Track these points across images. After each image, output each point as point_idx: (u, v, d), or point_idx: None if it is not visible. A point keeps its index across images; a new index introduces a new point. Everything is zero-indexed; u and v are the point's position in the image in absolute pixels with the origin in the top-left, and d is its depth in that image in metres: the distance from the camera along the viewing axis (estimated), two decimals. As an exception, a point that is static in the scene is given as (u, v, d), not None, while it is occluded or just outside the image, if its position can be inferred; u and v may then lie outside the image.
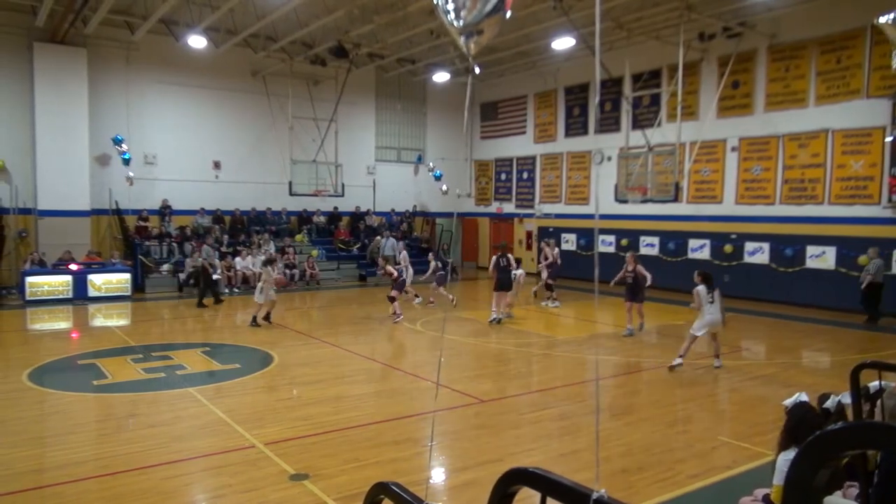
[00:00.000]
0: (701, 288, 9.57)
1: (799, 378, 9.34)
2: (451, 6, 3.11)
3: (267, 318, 12.98)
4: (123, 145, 18.88)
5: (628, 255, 12.97)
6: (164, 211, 19.93)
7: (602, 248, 20.28)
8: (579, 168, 22.35)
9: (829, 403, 3.91)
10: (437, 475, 5.87)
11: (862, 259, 14.38)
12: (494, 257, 13.73)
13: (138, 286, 17.67)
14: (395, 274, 13.96)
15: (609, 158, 20.31)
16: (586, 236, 21.59)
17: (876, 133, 14.86)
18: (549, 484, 1.82)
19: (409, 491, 2.33)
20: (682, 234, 18.90)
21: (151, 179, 19.90)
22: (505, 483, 1.97)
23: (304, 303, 17.50)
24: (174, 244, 19.28)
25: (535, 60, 22.27)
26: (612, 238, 20.46)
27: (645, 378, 9.50)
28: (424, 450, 6.27)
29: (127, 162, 18.95)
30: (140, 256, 18.27)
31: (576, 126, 22.39)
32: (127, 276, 17.21)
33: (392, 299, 13.56)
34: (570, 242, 22.09)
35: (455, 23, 3.12)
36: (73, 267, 16.69)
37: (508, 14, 3.14)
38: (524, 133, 24.47)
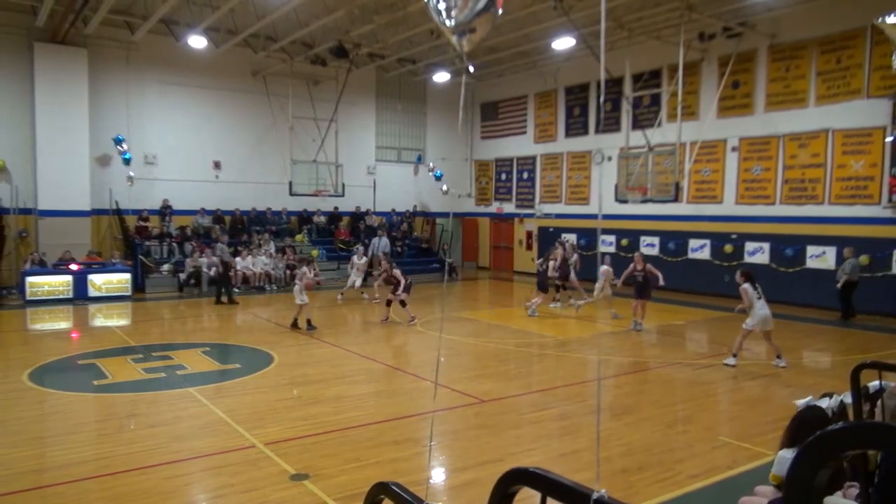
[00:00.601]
0: (747, 285, 9.77)
1: (799, 378, 9.34)
2: (442, 5, 3.10)
3: (309, 323, 12.60)
4: (124, 145, 18.89)
5: (636, 254, 13.29)
6: (165, 211, 19.94)
7: (603, 249, 20.31)
8: (579, 168, 22.35)
9: (830, 403, 3.90)
10: (438, 475, 5.87)
11: (862, 258, 14.42)
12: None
13: (138, 286, 17.67)
14: (402, 280, 13.52)
15: (609, 158, 20.33)
16: (586, 236, 21.59)
17: (876, 133, 14.87)
18: (549, 484, 1.82)
19: (410, 491, 2.33)
20: (682, 234, 18.90)
21: (152, 179, 19.91)
22: (505, 483, 1.97)
23: (304, 303, 17.50)
24: (174, 244, 19.29)
25: (535, 60, 22.28)
26: (612, 238, 20.48)
27: (645, 378, 9.51)
28: (425, 450, 6.27)
29: (127, 162, 18.96)
30: (140, 256, 18.27)
31: (576, 126, 22.39)
32: (127, 276, 17.22)
33: (403, 304, 13.37)
34: (570, 242, 22.04)
35: (447, 21, 3.12)
36: (74, 267, 16.69)
37: (500, 12, 3.13)
38: (524, 133, 24.47)
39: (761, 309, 9.66)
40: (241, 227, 21.08)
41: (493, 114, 25.79)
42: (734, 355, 9.89)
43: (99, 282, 16.82)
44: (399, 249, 22.78)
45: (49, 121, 17.66)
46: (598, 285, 14.24)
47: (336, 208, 23.24)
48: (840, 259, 15.08)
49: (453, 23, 3.10)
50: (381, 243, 21.26)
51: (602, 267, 14.62)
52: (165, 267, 18.60)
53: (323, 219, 23.09)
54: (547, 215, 23.48)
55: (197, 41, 18.40)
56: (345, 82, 20.41)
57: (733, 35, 16.96)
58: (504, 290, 21.07)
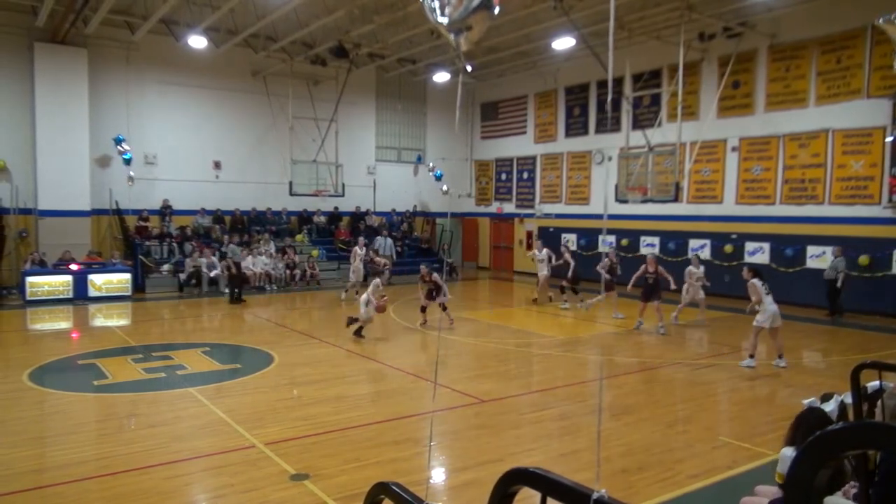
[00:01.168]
0: (756, 281, 9.73)
1: (799, 378, 9.34)
2: (436, 3, 3.09)
3: (359, 332, 12.15)
4: (124, 145, 18.88)
5: (649, 256, 13.36)
6: (165, 211, 19.94)
7: (603, 249, 20.30)
8: (580, 168, 22.35)
9: (831, 404, 3.90)
10: (438, 475, 5.87)
11: (862, 258, 14.41)
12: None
13: (138, 286, 17.67)
14: (443, 285, 13.18)
15: (609, 158, 20.34)
16: (587, 236, 21.60)
17: (876, 133, 14.86)
18: (549, 484, 1.82)
19: (410, 491, 2.33)
20: (682, 234, 18.90)
21: (152, 179, 19.91)
22: (505, 483, 1.97)
23: (304, 303, 17.51)
24: (174, 244, 19.29)
25: (535, 60, 22.28)
26: (612, 238, 20.48)
27: (645, 378, 9.50)
28: (425, 450, 6.28)
29: (128, 162, 18.95)
30: (140, 256, 18.27)
31: (576, 126, 22.39)
32: (127, 276, 17.22)
33: (443, 307, 13.12)
34: (570, 242, 22.06)
35: (441, 20, 3.10)
36: (74, 267, 16.69)
37: (497, 10, 3.08)
38: (524, 133, 24.47)
39: (771, 305, 9.65)
40: (241, 228, 21.08)
41: (493, 114, 25.79)
42: (751, 356, 9.86)
43: (99, 282, 16.82)
44: (399, 249, 22.80)
45: (49, 121, 17.66)
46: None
47: (336, 208, 23.24)
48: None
49: (448, 21, 3.08)
50: (387, 244, 21.27)
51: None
52: (165, 267, 18.60)
53: (323, 219, 23.10)
54: (547, 215, 23.47)
55: (197, 41, 18.40)
56: (345, 82, 20.41)
57: (733, 35, 16.96)
58: (504, 290, 21.07)
